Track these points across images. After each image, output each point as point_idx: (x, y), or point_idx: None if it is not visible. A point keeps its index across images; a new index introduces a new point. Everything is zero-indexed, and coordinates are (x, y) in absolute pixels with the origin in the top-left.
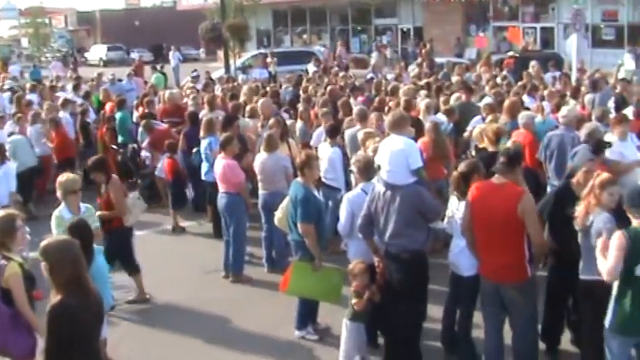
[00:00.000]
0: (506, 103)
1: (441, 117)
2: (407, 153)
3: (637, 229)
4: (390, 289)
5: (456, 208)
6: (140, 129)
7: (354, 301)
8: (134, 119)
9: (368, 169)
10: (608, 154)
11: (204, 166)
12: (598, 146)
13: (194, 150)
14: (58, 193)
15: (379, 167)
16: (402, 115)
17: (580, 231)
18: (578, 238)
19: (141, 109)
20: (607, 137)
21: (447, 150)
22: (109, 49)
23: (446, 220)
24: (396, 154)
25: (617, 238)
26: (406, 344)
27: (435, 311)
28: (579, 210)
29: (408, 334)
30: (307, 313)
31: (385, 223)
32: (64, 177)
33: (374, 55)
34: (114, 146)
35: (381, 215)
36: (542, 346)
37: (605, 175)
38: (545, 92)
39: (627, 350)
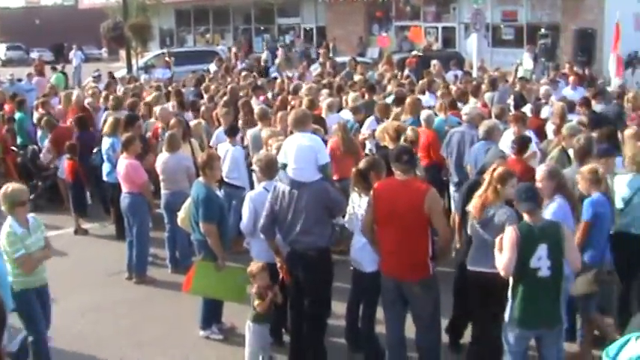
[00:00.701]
0: (408, 101)
1: (345, 115)
2: (315, 149)
3: (528, 224)
4: (296, 288)
5: (357, 205)
6: (40, 130)
7: (255, 302)
8: (34, 120)
9: (270, 168)
10: (506, 150)
11: (106, 167)
12: (523, 144)
13: (94, 150)
14: (3, 207)
15: (284, 166)
16: (305, 113)
17: (478, 224)
18: (468, 229)
19: (41, 110)
20: (506, 134)
21: (356, 148)
22: (8, 49)
23: (347, 217)
24: (304, 151)
25: (509, 233)
26: (312, 342)
27: (339, 308)
28: (475, 203)
29: (314, 331)
30: (211, 313)
31: (292, 222)
32: (9, 188)
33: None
34: (14, 148)
35: (287, 214)
36: (447, 339)
37: (502, 169)
38: (439, 92)
39: (525, 343)
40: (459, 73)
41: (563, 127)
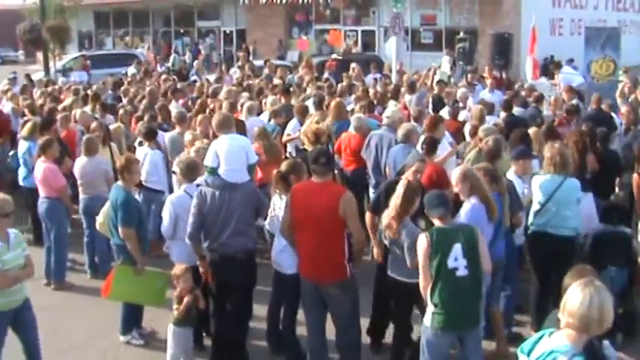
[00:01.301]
0: (332, 104)
1: (264, 118)
2: (245, 149)
3: (437, 228)
4: (220, 291)
5: (278, 207)
6: None
7: (175, 306)
8: None
9: (191, 171)
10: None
11: (23, 171)
12: (432, 145)
13: (10, 153)
14: None
15: (212, 169)
16: (229, 116)
17: (387, 240)
18: (384, 239)
19: None
20: (423, 137)
21: (278, 152)
22: None
23: (268, 218)
24: (235, 152)
25: (420, 241)
26: (234, 346)
27: (260, 310)
28: (388, 222)
29: (237, 335)
30: (132, 318)
31: (223, 225)
32: None
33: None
34: None
35: (217, 217)
36: (368, 340)
37: (410, 183)
38: (353, 97)
39: (447, 345)
40: (378, 76)
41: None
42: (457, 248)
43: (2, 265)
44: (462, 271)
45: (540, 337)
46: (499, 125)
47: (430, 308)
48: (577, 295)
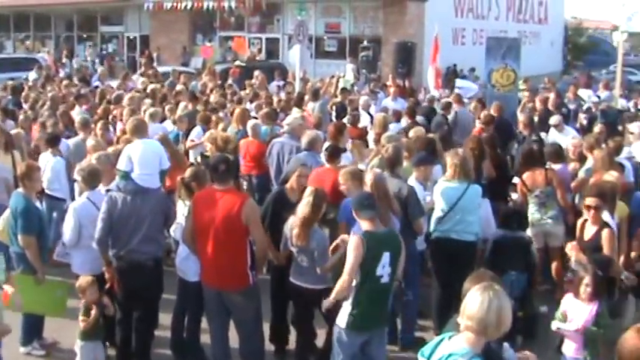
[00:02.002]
0: (237, 112)
1: (168, 126)
2: (159, 154)
3: (372, 233)
4: (127, 299)
5: (182, 214)
6: None
7: (81, 318)
8: None
9: (93, 178)
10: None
11: None
12: (334, 153)
13: None
14: None
15: (125, 174)
16: (143, 121)
17: (295, 248)
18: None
19: None
20: (327, 143)
21: (182, 158)
22: None
23: (173, 225)
24: (150, 157)
25: (354, 241)
26: (140, 355)
27: (164, 319)
28: (297, 232)
29: (143, 343)
30: (32, 328)
31: (134, 230)
32: None
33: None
34: None
35: (128, 222)
36: (272, 347)
37: (315, 188)
38: (253, 104)
39: (357, 345)
40: (282, 83)
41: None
42: (386, 257)
43: None
44: (385, 279)
45: (440, 341)
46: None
47: (347, 309)
48: (475, 299)
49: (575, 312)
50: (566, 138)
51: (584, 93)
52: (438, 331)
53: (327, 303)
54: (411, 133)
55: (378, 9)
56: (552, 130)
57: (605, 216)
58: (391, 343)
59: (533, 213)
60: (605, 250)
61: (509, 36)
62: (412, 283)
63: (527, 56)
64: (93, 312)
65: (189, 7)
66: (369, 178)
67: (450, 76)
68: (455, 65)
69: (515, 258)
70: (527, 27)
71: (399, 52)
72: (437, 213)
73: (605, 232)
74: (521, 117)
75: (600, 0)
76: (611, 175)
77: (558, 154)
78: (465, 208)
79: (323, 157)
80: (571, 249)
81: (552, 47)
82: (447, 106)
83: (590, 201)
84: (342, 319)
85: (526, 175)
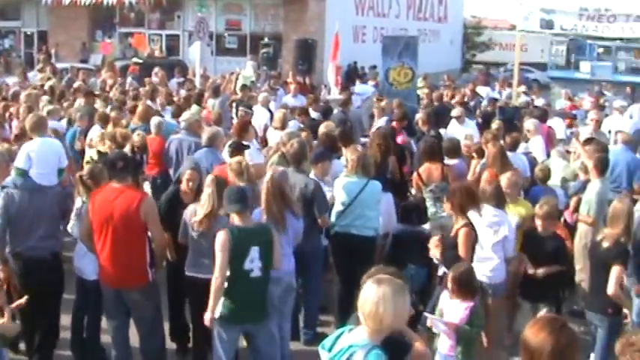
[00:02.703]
0: (139, 109)
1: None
2: (58, 153)
3: (239, 227)
4: (35, 299)
5: (80, 212)
6: None
7: None
8: None
9: None
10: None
11: None
12: (238, 149)
13: None
14: None
15: (22, 171)
16: (42, 117)
17: (195, 232)
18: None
19: None
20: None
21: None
22: None
23: (71, 222)
24: (48, 155)
25: (221, 236)
26: (41, 356)
27: (63, 319)
28: (200, 219)
29: (47, 344)
30: None
31: (32, 227)
32: None
33: None
34: None
35: (25, 219)
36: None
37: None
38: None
39: (234, 337)
40: (182, 80)
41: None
42: (254, 251)
43: None
44: (256, 273)
45: (341, 334)
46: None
47: (221, 301)
48: (369, 292)
49: (450, 309)
50: (466, 130)
51: (482, 90)
52: (340, 326)
53: (207, 319)
54: (322, 128)
55: (278, 6)
56: (453, 121)
57: (473, 215)
58: (294, 338)
59: (429, 207)
60: (460, 249)
61: (408, 34)
62: (314, 279)
63: (427, 54)
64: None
65: (88, 2)
66: (267, 175)
67: (350, 74)
68: (355, 63)
69: (415, 252)
70: (427, 25)
71: (300, 49)
72: (337, 208)
73: (461, 232)
74: (419, 113)
75: None
76: (511, 174)
77: (455, 149)
78: (364, 203)
79: (225, 153)
80: (433, 243)
81: (452, 45)
82: (345, 103)
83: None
84: (217, 311)
85: (422, 169)
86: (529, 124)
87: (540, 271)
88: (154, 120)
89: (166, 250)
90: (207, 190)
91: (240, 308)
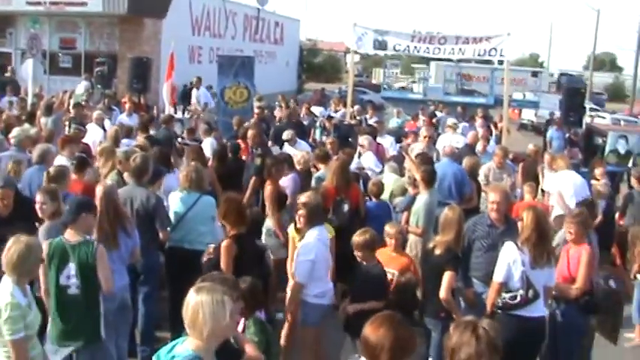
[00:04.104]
0: None
1: None
2: None
3: (57, 242)
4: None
5: None
6: None
7: None
8: None
9: None
10: None
11: None
12: (80, 164)
13: None
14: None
15: None
16: None
17: None
18: None
19: None
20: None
21: None
22: None
23: None
24: None
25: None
26: None
27: None
28: None
29: None
30: None
31: None
32: (17, 246)
33: None
34: None
35: None
36: None
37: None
38: None
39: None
40: (15, 99)
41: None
42: (71, 268)
43: (26, 329)
44: (73, 290)
45: (175, 345)
46: (141, 146)
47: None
48: (188, 300)
49: None
50: (301, 151)
51: (316, 110)
52: (173, 339)
53: None
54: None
55: (114, 25)
56: (286, 144)
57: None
58: (131, 355)
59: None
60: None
61: (244, 54)
62: (150, 294)
63: (264, 75)
64: None
65: None
66: (99, 191)
67: (187, 94)
68: (192, 82)
69: (251, 265)
70: (264, 47)
71: (135, 67)
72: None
73: (223, 243)
74: (250, 132)
75: (334, 22)
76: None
77: (288, 164)
78: (196, 217)
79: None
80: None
81: (287, 67)
82: (168, 120)
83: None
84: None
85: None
86: (363, 139)
87: (352, 307)
88: None
89: None
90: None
91: (62, 327)
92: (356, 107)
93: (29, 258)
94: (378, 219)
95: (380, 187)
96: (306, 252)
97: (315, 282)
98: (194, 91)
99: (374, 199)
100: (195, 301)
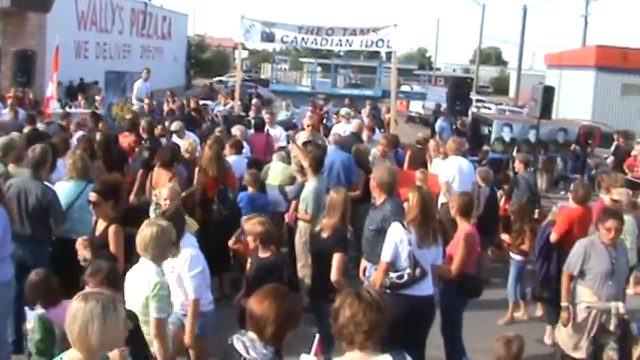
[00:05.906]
0: None
1: None
2: None
3: None
4: None
5: None
6: None
7: None
8: None
9: None
10: None
11: None
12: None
13: None
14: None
15: None
16: None
17: None
18: None
19: None
20: None
21: None
22: None
23: None
24: None
25: None
26: None
27: None
28: None
29: None
30: None
31: None
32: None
33: None
34: None
35: None
36: None
37: None
38: None
39: None
40: None
41: None
42: None
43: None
44: None
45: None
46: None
47: None
48: (75, 311)
49: None
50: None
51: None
52: None
53: None
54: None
55: None
56: (174, 135)
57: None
58: (18, 352)
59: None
60: (111, 247)
61: (132, 50)
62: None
63: (152, 70)
64: None
65: None
66: None
67: (75, 90)
68: (82, 79)
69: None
70: (151, 42)
71: (19, 61)
72: None
73: (110, 229)
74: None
75: (223, 18)
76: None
77: (175, 156)
78: (82, 207)
79: None
80: (82, 244)
81: (176, 62)
82: (65, 116)
83: None
84: None
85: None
86: (235, 129)
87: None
88: None
89: None
90: None
91: None
92: (254, 100)
93: (162, 239)
94: (261, 209)
95: (255, 176)
96: (194, 265)
97: (206, 290)
98: (139, 82)
99: (250, 189)
100: (84, 310)
